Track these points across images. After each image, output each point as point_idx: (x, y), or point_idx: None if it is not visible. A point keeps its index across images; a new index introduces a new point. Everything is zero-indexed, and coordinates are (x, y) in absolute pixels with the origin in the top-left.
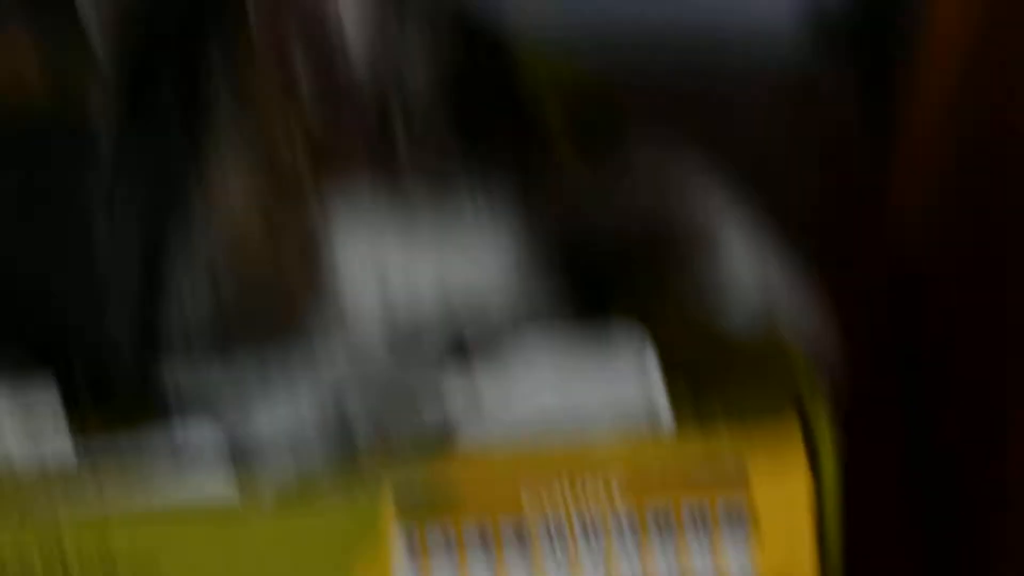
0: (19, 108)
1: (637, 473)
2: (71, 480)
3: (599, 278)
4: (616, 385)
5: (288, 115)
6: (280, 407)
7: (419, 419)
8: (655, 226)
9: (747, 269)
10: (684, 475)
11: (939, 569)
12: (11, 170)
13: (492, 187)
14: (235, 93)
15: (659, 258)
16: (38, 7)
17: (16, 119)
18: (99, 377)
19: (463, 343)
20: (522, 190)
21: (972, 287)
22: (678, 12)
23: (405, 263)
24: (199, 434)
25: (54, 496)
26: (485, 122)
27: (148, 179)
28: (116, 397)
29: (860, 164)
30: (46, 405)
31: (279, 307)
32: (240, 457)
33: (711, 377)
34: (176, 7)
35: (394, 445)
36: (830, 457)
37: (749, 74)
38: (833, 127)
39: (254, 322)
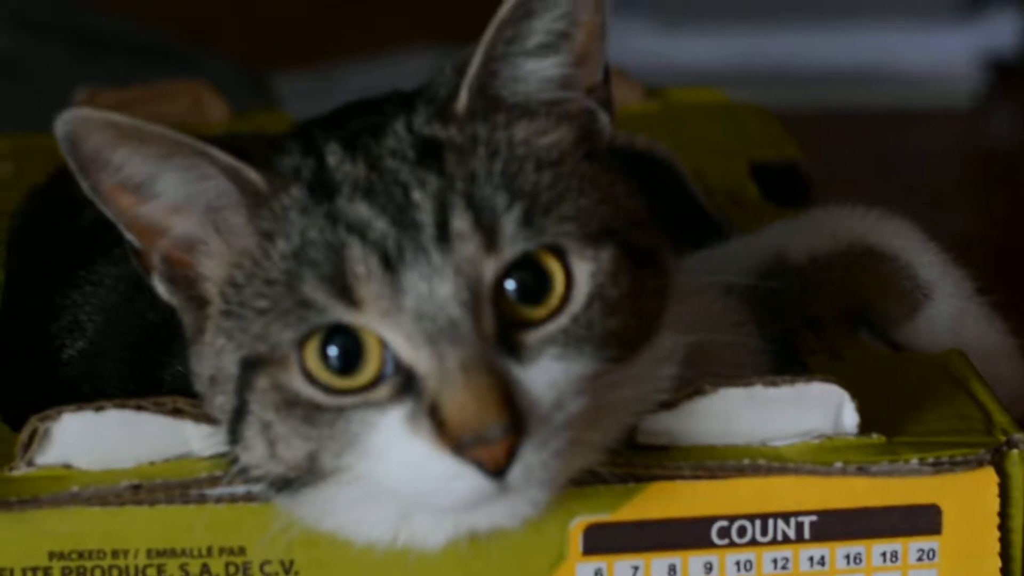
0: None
1: (829, 516)
2: None
3: (798, 312)
4: (807, 417)
5: None
6: None
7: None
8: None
9: (944, 309)
10: (877, 521)
11: None
12: None
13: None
14: None
15: (857, 292)
16: None
17: None
18: None
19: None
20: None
21: None
22: (861, 53)
23: None
24: None
25: None
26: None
27: None
28: None
29: None
30: None
31: None
32: None
33: (905, 417)
34: None
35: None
36: (1021, 509)
37: (927, 111)
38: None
39: None
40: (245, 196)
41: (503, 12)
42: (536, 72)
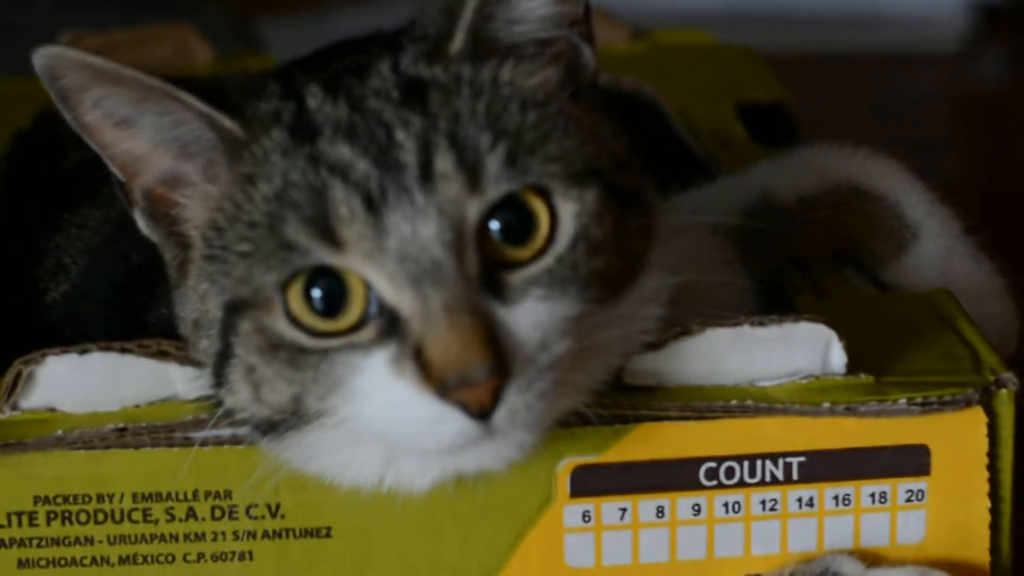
0: None
1: (818, 456)
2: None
3: (785, 252)
4: (795, 357)
5: None
6: None
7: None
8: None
9: (931, 248)
10: (866, 462)
11: None
12: None
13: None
14: None
15: (844, 231)
16: None
17: None
18: None
19: None
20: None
21: None
22: None
23: None
24: None
25: None
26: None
27: None
28: None
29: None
30: None
31: None
32: None
33: (893, 356)
34: None
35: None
36: (1009, 449)
37: (915, 54)
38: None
39: None
40: (223, 142)
41: None
42: (531, 11)
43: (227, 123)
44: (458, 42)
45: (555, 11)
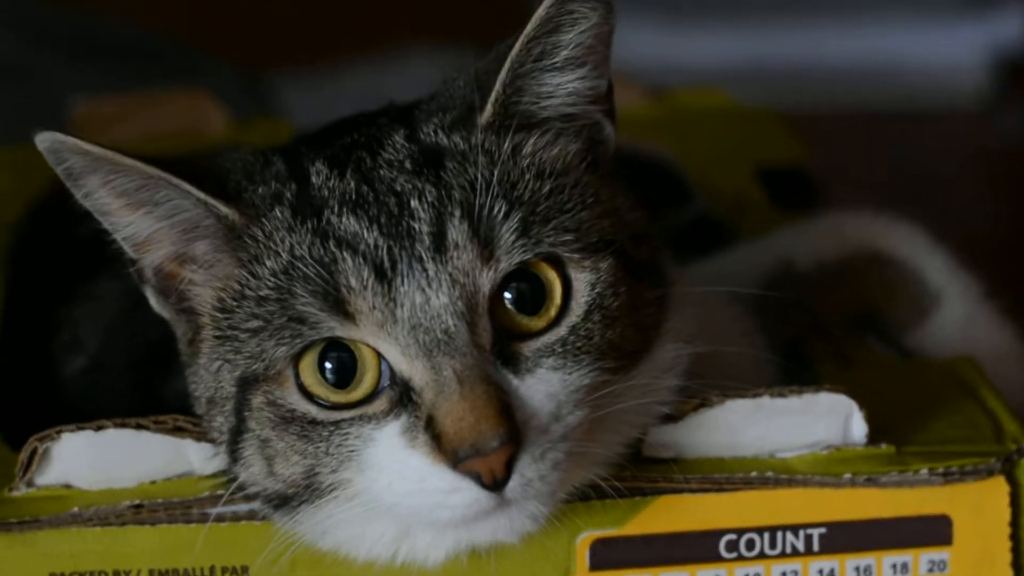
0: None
1: (838, 528)
2: None
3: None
4: (816, 428)
5: None
6: None
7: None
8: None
9: (953, 314)
10: (887, 532)
11: None
12: None
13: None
14: None
15: (866, 298)
16: None
17: None
18: None
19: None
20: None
21: None
22: (868, 51)
23: None
24: None
25: None
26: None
27: None
28: None
29: None
30: None
31: None
32: None
33: (915, 425)
34: None
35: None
36: None
37: (935, 109)
38: (1016, 161)
39: None
40: (222, 227)
41: (530, 27)
42: (562, 86)
43: (224, 210)
44: (488, 114)
45: (582, 87)
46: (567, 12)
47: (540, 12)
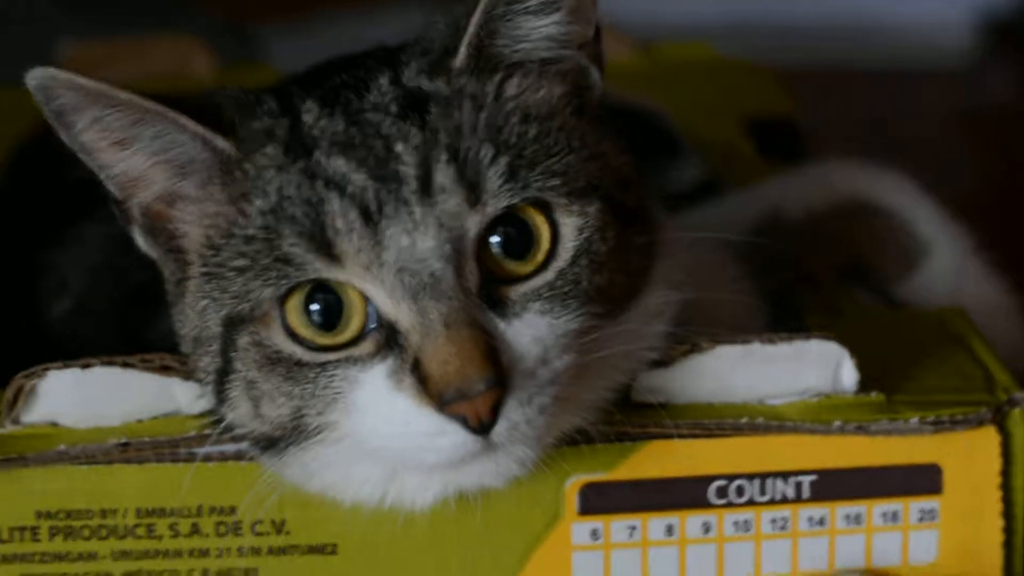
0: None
1: (829, 475)
2: None
3: (794, 269)
4: (806, 375)
5: None
6: None
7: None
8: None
9: (942, 265)
10: (878, 481)
11: None
12: None
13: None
14: None
15: (854, 248)
16: None
17: None
18: None
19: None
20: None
21: None
22: (850, 8)
23: None
24: None
25: None
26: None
27: None
28: None
29: None
30: None
31: None
32: None
33: (905, 375)
34: None
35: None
36: (1023, 468)
37: (922, 68)
38: (1002, 121)
39: None
40: (217, 160)
41: None
42: (536, 30)
43: (220, 142)
44: (461, 56)
45: (562, 31)
46: None
47: None
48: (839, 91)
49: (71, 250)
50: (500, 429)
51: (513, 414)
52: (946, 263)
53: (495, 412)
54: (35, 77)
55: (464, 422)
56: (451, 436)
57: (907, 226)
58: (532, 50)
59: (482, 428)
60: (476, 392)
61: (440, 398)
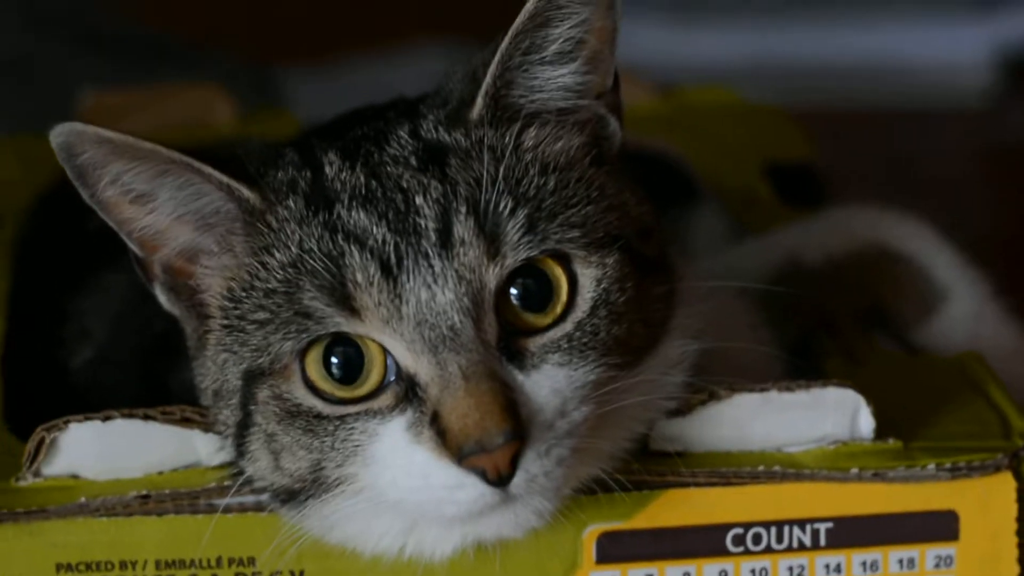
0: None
1: (845, 522)
2: None
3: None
4: (823, 422)
5: None
6: None
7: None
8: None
9: (960, 311)
10: (894, 527)
11: None
12: None
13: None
14: None
15: (873, 293)
16: None
17: None
18: None
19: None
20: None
21: None
22: (875, 50)
23: None
24: None
25: None
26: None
27: None
28: None
29: None
30: None
31: None
32: None
33: (922, 421)
34: None
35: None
36: None
37: (942, 108)
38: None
39: None
40: (241, 212)
41: (519, 21)
42: (553, 80)
43: (246, 193)
44: (479, 107)
45: (579, 81)
46: (556, 7)
47: (529, 6)
48: (859, 131)
49: (93, 298)
50: (519, 481)
51: (532, 466)
52: (964, 308)
53: (514, 464)
54: (60, 134)
55: (483, 475)
56: (470, 489)
57: (926, 271)
58: (549, 100)
59: (501, 481)
60: (495, 446)
61: (459, 451)
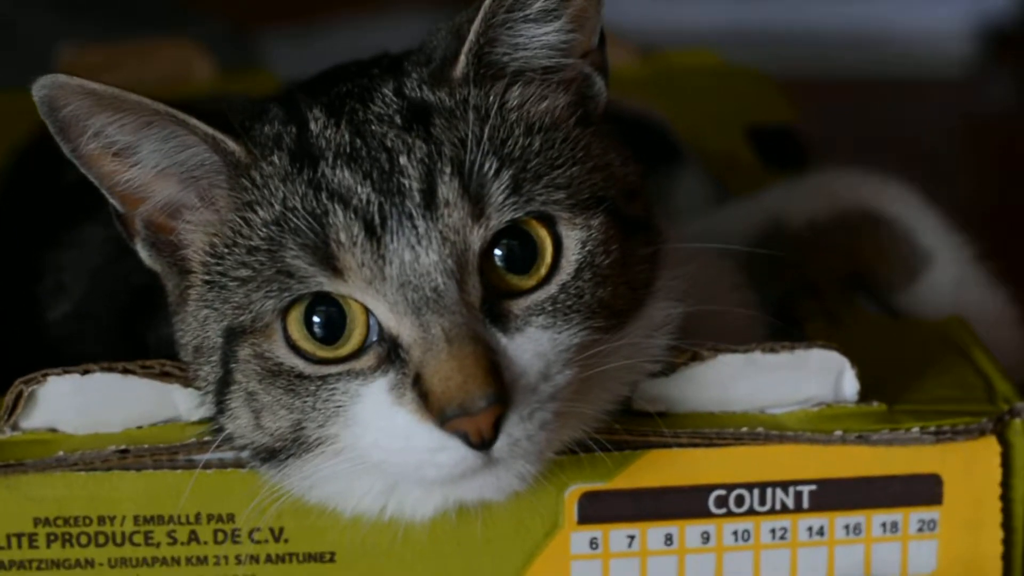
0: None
1: (829, 485)
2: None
3: (796, 278)
4: (807, 384)
5: None
6: None
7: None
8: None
9: (944, 275)
10: (878, 491)
11: None
12: None
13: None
14: None
15: (856, 257)
16: None
17: None
18: None
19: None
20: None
21: None
22: (851, 17)
23: None
24: None
25: None
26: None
27: None
28: None
29: None
30: None
31: None
32: None
33: (906, 384)
34: None
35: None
36: (1023, 479)
37: (922, 77)
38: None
39: None
40: (225, 165)
41: None
42: (537, 38)
43: (231, 145)
44: (462, 65)
45: (563, 39)
46: None
47: None
48: (841, 99)
49: (70, 252)
50: (501, 445)
51: (514, 430)
52: (948, 273)
53: (496, 428)
54: (43, 86)
55: (465, 438)
56: (452, 452)
57: (909, 235)
58: (533, 58)
59: (483, 444)
60: (478, 409)
61: (441, 414)
